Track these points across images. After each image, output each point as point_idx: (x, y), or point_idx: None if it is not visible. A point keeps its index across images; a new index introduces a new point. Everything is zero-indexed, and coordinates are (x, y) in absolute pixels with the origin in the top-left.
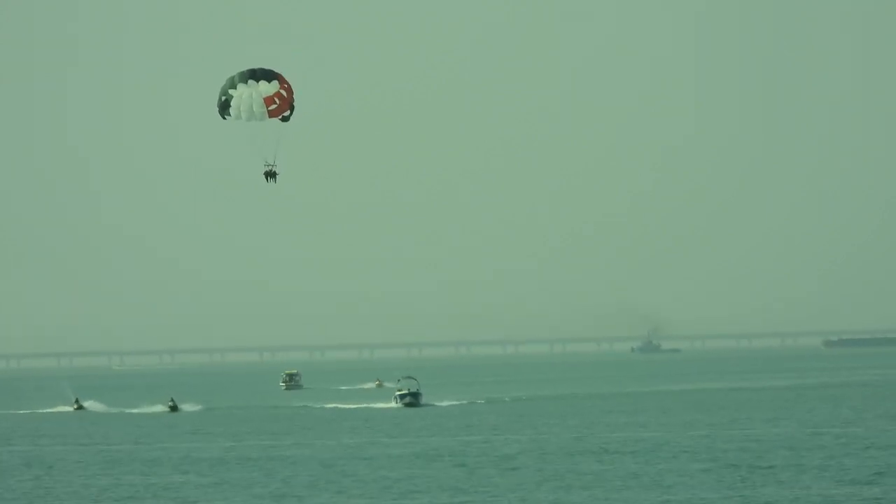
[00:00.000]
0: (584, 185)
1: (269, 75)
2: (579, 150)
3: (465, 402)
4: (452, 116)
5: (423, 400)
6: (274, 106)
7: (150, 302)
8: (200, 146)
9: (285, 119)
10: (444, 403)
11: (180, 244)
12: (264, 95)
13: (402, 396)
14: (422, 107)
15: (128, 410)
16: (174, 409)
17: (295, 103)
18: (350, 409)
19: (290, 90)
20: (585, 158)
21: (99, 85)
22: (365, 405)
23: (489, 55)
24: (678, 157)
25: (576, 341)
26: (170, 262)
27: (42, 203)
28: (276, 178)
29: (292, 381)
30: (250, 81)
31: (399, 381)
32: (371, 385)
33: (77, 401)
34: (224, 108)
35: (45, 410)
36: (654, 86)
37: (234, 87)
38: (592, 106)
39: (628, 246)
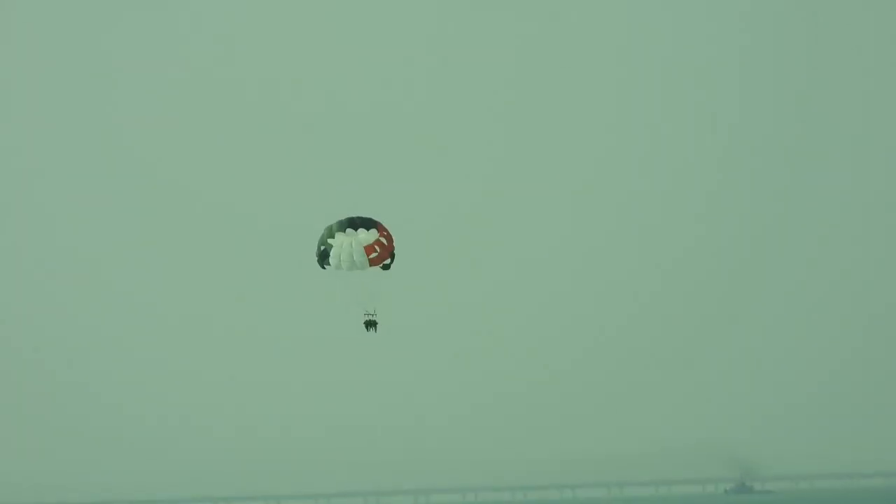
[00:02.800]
0: (651, 311)
1: (367, 223)
2: (645, 273)
3: None
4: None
5: None
6: (374, 254)
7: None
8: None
9: (386, 267)
10: None
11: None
12: (364, 244)
13: None
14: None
15: None
16: None
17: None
18: None
19: (389, 237)
20: (648, 282)
21: None
22: None
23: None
24: (753, 270)
25: (672, 483)
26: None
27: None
28: (376, 327)
29: None
30: (349, 230)
31: None
32: None
33: None
34: (323, 257)
35: None
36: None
37: (332, 236)
38: (651, 218)
39: (714, 379)
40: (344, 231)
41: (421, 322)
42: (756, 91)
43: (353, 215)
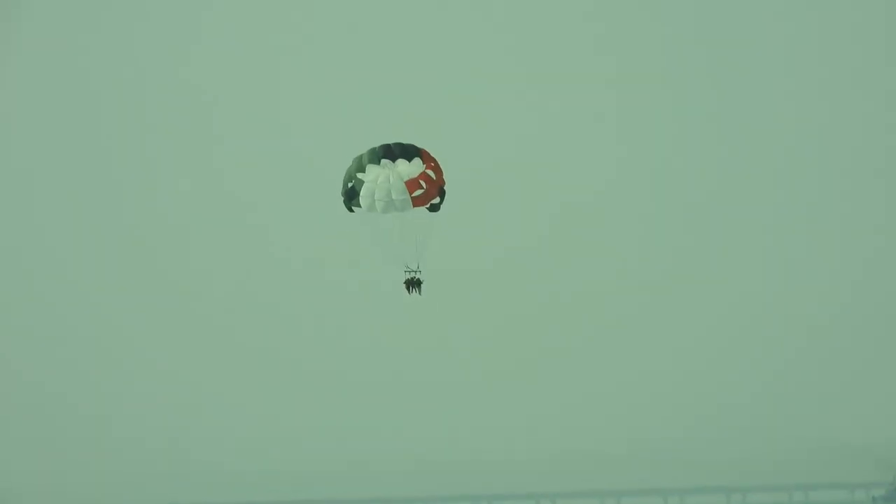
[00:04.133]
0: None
1: (408, 152)
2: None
3: None
4: None
5: None
6: (419, 191)
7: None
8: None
9: (434, 208)
10: None
11: None
12: (405, 179)
13: None
14: None
15: None
16: None
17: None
18: None
19: (438, 169)
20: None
21: None
22: None
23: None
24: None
25: (810, 489)
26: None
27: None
28: (420, 288)
29: None
30: (384, 161)
31: None
32: None
33: None
34: (351, 197)
35: None
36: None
37: (362, 169)
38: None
39: (862, 370)
40: (378, 162)
41: (475, 281)
42: None
43: (391, 142)
